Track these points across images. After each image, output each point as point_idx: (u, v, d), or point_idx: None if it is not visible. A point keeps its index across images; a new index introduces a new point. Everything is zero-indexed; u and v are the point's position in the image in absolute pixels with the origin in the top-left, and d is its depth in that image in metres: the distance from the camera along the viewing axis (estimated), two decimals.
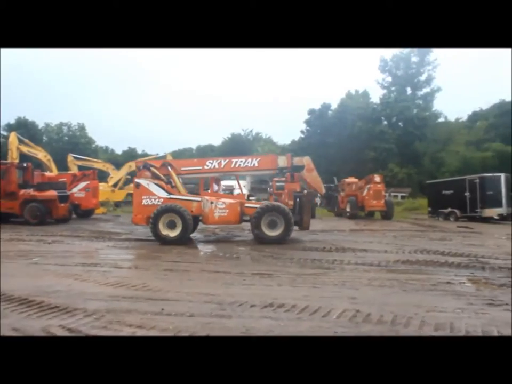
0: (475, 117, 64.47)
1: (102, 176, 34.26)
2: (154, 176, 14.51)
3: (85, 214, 26.12)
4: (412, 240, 14.69)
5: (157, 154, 40.88)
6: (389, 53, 59.31)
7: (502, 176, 25.26)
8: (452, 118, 59.95)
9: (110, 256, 11.36)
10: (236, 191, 27.31)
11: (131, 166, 33.66)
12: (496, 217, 24.66)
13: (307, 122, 58.99)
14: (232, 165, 14.64)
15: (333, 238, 15.78)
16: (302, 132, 60.34)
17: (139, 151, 79.13)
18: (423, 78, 58.75)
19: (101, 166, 34.53)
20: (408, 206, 39.02)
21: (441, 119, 59.07)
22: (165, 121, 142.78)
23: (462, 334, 5.22)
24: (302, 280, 8.22)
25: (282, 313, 6.00)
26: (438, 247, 12.87)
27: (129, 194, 38.76)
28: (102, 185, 31.01)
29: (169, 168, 14.73)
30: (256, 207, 14.05)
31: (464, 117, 64.01)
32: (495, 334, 5.22)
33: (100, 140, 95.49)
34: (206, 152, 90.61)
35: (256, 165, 14.66)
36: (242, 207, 14.32)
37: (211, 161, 14.85)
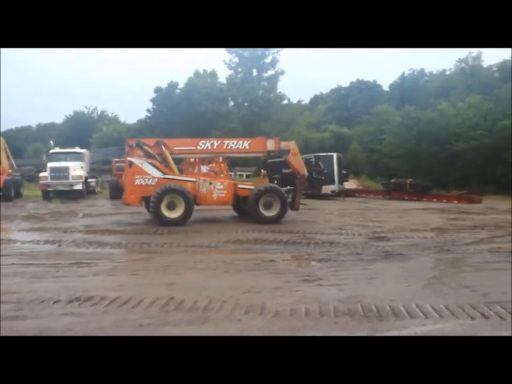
0: (316, 100, 68.91)
1: None
2: (147, 155, 13.88)
3: None
4: (248, 219, 14.81)
5: None
6: None
7: (334, 155, 27.17)
8: (294, 101, 62.92)
9: None
10: (74, 173, 25.52)
11: None
12: (330, 193, 26.45)
13: (153, 100, 57.18)
14: (225, 146, 14.60)
15: None
16: (148, 110, 58.19)
17: None
18: (268, 60, 60.51)
19: None
20: None
21: (285, 101, 61.65)
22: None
23: (271, 314, 5.21)
24: (122, 268, 7.72)
25: (88, 307, 5.47)
26: (271, 225, 13.13)
27: None
28: None
29: (163, 147, 14.17)
30: (250, 188, 14.33)
31: (307, 100, 67.85)
32: (303, 311, 5.28)
33: None
34: (47, 130, 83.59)
35: (247, 147, 14.72)
36: (236, 188, 14.41)
37: (204, 141, 14.66)
